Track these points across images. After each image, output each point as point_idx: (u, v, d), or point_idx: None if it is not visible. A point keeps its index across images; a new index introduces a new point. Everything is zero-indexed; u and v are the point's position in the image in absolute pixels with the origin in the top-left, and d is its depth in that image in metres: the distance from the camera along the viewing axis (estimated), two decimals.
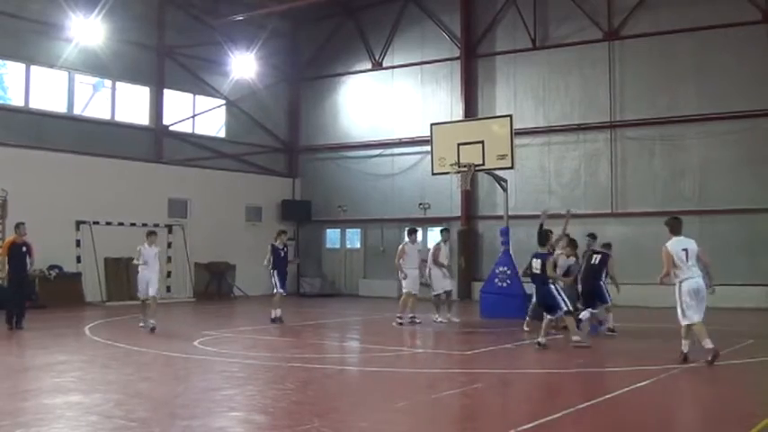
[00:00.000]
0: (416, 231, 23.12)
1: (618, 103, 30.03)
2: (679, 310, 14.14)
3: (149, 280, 20.19)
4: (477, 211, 32.77)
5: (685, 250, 14.32)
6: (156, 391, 11.87)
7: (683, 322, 14.10)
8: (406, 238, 22.28)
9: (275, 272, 21.70)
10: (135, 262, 20.59)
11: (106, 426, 9.36)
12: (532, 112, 31.57)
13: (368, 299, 32.44)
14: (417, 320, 21.47)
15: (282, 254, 21.87)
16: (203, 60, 34.06)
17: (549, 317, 16.61)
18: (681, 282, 14.13)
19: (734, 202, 27.74)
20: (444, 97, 33.72)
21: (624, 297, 21.10)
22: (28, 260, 20.29)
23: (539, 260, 16.53)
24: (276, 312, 21.50)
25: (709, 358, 13.62)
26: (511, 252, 24.36)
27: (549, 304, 16.51)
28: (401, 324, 21.01)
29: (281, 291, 21.84)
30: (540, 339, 16.28)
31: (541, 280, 16.50)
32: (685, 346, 14.12)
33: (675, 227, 14.83)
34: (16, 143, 27.20)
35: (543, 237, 17.04)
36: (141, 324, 20.24)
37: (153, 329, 19.33)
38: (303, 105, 37.92)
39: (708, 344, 13.78)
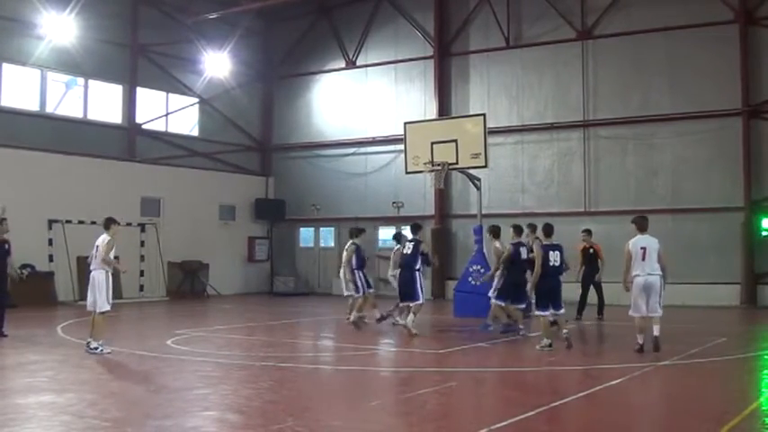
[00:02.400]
0: (363, 231, 22.43)
1: (591, 102, 30.17)
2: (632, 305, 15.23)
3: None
4: (451, 209, 32.82)
5: (644, 248, 15.09)
6: (130, 390, 11.83)
7: (635, 314, 15.23)
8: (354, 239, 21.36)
9: (360, 272, 20.42)
10: (115, 263, 16.22)
11: (79, 426, 9.32)
12: (506, 111, 31.65)
13: (342, 297, 32.31)
14: (366, 321, 20.75)
15: (362, 253, 20.96)
16: (176, 58, 33.90)
17: (554, 312, 16.12)
18: (633, 278, 15.13)
19: (706, 201, 27.96)
20: (418, 96, 33.74)
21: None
22: (9, 260, 18.52)
23: (557, 252, 16.08)
24: (355, 315, 20.25)
25: (637, 348, 15.07)
26: (484, 251, 24.40)
27: (559, 298, 16.09)
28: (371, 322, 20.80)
29: (370, 291, 20.78)
30: (564, 332, 16.14)
31: (557, 272, 16.08)
32: (656, 329, 15.14)
33: (643, 225, 15.49)
34: None
35: (551, 228, 16.44)
36: (96, 348, 15.36)
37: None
38: (276, 104, 37.83)
39: (640, 339, 15.07)
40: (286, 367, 14.17)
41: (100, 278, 15.65)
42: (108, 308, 15.66)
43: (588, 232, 22.99)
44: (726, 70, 27.93)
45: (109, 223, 16.56)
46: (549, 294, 15.92)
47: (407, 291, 18.61)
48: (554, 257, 15.90)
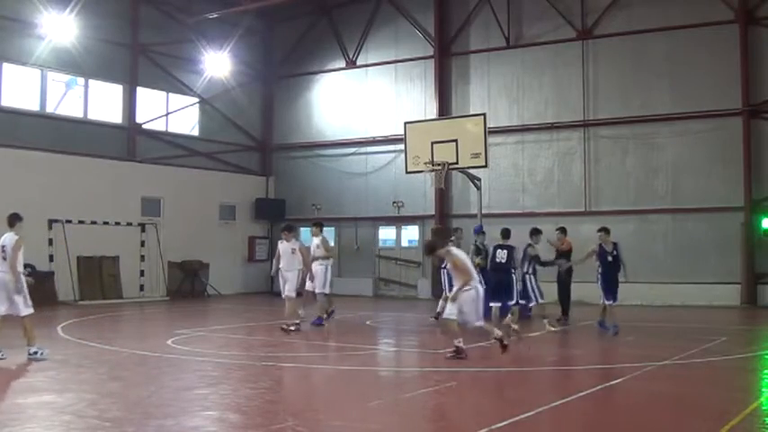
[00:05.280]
0: (292, 229, 20.27)
1: (591, 102, 30.16)
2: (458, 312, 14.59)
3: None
4: (452, 209, 32.80)
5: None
6: (130, 390, 11.82)
7: (456, 318, 14.64)
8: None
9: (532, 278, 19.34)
10: (24, 274, 14.96)
11: (79, 425, 9.32)
12: (506, 111, 31.65)
13: (342, 297, 32.33)
14: (293, 328, 19.18)
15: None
16: (177, 58, 33.90)
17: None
18: (469, 289, 14.68)
19: (706, 201, 27.94)
20: (418, 96, 33.74)
21: (596, 295, 21.21)
22: None
23: (505, 251, 18.24)
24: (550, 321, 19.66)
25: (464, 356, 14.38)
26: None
27: (509, 291, 18.17)
28: (290, 331, 19.12)
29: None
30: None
31: (503, 268, 18.21)
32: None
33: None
34: None
35: (507, 232, 18.90)
36: (36, 352, 14.55)
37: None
38: (277, 103, 37.82)
39: (462, 344, 14.59)
40: (286, 367, 14.18)
41: (11, 281, 14.52)
42: (32, 310, 14.80)
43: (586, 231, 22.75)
44: (726, 70, 27.93)
45: (14, 220, 15.01)
46: (497, 287, 18.16)
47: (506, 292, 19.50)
48: (500, 255, 18.23)
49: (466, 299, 14.51)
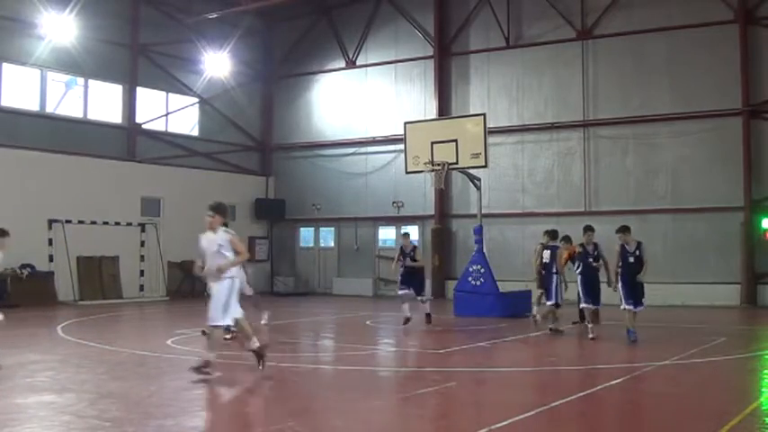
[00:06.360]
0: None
1: (591, 102, 30.15)
2: (236, 307, 12.87)
3: None
4: (451, 209, 32.79)
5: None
6: (130, 390, 11.81)
7: (237, 316, 12.85)
8: None
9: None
10: None
11: (79, 425, 9.31)
12: (506, 111, 31.63)
13: (342, 297, 32.39)
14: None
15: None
16: (176, 58, 33.89)
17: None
18: (234, 277, 12.90)
19: (706, 201, 27.93)
20: (418, 96, 33.73)
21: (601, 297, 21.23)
22: None
23: (548, 251, 19.45)
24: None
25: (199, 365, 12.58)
26: (484, 250, 24.42)
27: (548, 289, 19.20)
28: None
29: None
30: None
31: (548, 269, 19.28)
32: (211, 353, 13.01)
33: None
34: None
35: (555, 232, 19.97)
36: None
37: None
38: (277, 104, 37.81)
39: (254, 343, 12.93)
40: (286, 367, 14.16)
41: None
42: None
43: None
44: (726, 70, 27.91)
45: None
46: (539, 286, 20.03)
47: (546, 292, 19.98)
48: (546, 255, 19.52)
49: (220, 289, 12.61)
